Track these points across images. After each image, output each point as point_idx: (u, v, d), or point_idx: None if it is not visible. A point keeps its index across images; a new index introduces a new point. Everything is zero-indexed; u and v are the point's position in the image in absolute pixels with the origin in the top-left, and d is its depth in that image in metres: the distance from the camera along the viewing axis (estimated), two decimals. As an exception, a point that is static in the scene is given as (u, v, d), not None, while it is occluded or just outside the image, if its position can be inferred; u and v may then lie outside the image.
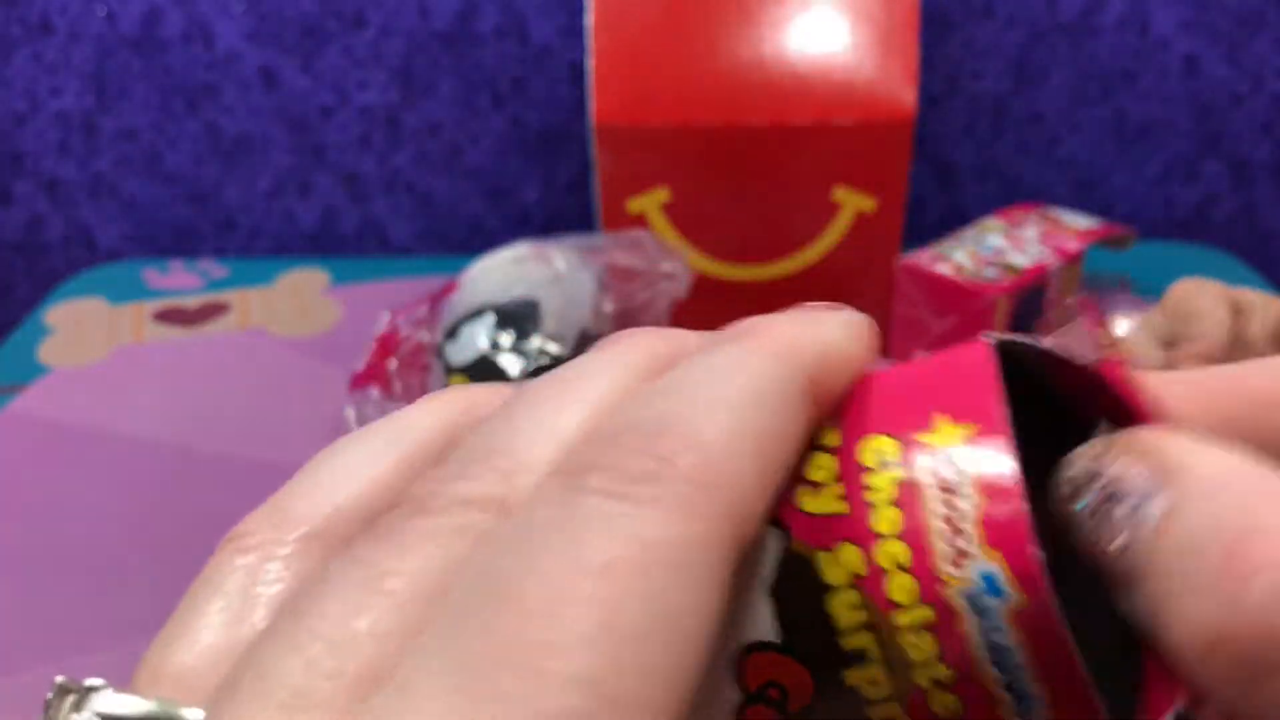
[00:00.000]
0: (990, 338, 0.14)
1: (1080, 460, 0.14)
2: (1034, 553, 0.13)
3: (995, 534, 0.13)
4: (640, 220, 0.69)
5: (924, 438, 0.14)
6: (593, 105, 0.65)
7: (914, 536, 0.13)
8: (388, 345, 0.66)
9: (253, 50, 0.86)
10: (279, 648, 0.12)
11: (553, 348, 0.58)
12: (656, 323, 0.65)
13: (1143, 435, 0.13)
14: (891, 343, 0.71)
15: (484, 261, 0.65)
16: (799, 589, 0.14)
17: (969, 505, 0.13)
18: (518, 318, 0.59)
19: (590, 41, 0.67)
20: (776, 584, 0.14)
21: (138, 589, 0.55)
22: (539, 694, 0.11)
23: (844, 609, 0.14)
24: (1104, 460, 0.13)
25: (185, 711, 0.13)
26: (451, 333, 0.60)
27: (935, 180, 0.90)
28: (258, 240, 0.94)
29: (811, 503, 0.14)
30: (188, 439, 0.67)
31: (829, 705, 0.14)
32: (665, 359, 0.15)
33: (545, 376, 0.15)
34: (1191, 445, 0.13)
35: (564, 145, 0.89)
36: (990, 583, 0.13)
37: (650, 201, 0.68)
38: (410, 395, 0.62)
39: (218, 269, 0.89)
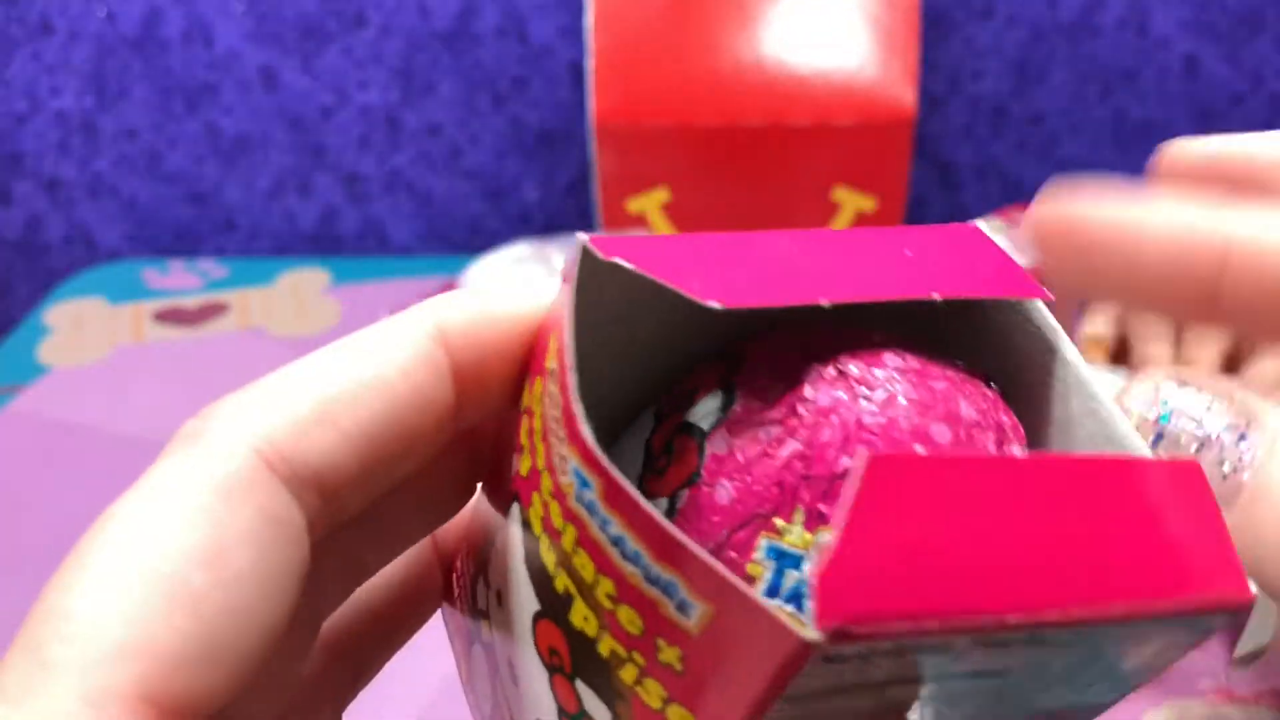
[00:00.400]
0: (582, 242, 0.14)
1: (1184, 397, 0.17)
2: (585, 433, 0.13)
3: (569, 428, 0.13)
4: (640, 220, 0.69)
5: (546, 368, 0.14)
6: (593, 105, 0.65)
7: (549, 462, 0.14)
8: (388, 345, 0.66)
9: (253, 50, 0.86)
10: None
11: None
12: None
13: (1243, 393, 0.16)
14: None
15: (484, 261, 0.65)
16: (530, 552, 0.15)
17: (558, 411, 0.13)
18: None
19: (590, 41, 0.67)
20: (525, 555, 0.15)
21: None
22: None
23: (548, 555, 0.14)
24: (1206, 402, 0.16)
25: None
26: (451, 333, 0.60)
27: (935, 180, 0.90)
28: (258, 240, 0.94)
29: (519, 463, 0.15)
30: (188, 439, 0.67)
31: (583, 663, 0.14)
32: None
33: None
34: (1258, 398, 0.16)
35: (564, 145, 0.89)
36: (580, 476, 0.13)
37: (650, 201, 0.68)
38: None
39: (218, 269, 0.89)
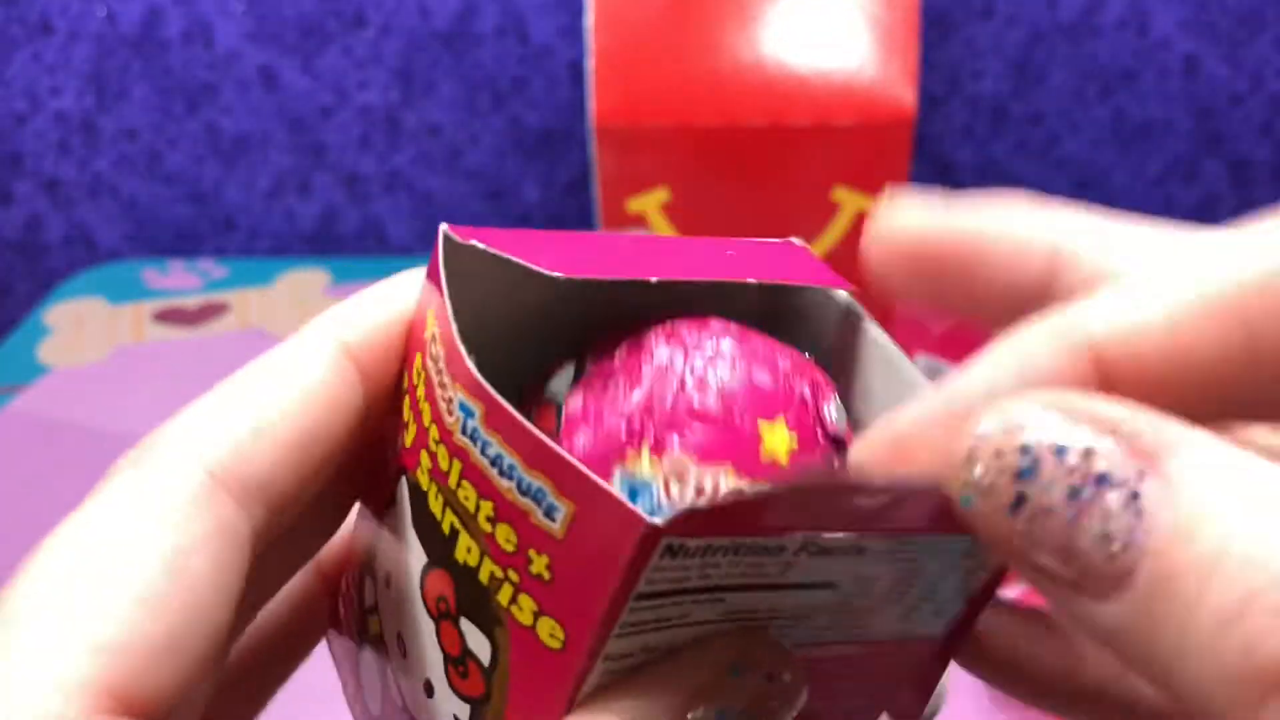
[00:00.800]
0: (443, 231, 0.16)
1: (1001, 421, 0.12)
2: (470, 365, 0.15)
3: (453, 369, 0.15)
4: (640, 220, 0.69)
5: (425, 339, 0.16)
6: (593, 105, 0.65)
7: (435, 415, 0.16)
8: (388, 345, 0.66)
9: (253, 50, 0.86)
10: None
11: (552, 348, 0.58)
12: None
13: (1108, 407, 0.12)
14: (891, 343, 0.71)
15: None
16: (418, 509, 0.16)
17: (441, 362, 0.16)
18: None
19: (590, 41, 0.67)
20: (413, 516, 0.17)
21: (138, 589, 0.55)
22: None
23: (435, 502, 0.16)
24: (1052, 429, 0.12)
25: None
26: (451, 333, 0.60)
27: (935, 180, 0.90)
28: (258, 240, 0.94)
29: (405, 437, 0.17)
30: (188, 439, 0.67)
31: (466, 597, 0.16)
32: None
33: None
34: (1171, 423, 0.11)
35: (564, 145, 0.89)
36: (464, 408, 0.15)
37: (650, 201, 0.68)
38: (410, 395, 0.63)
39: (218, 269, 0.89)
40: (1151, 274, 0.13)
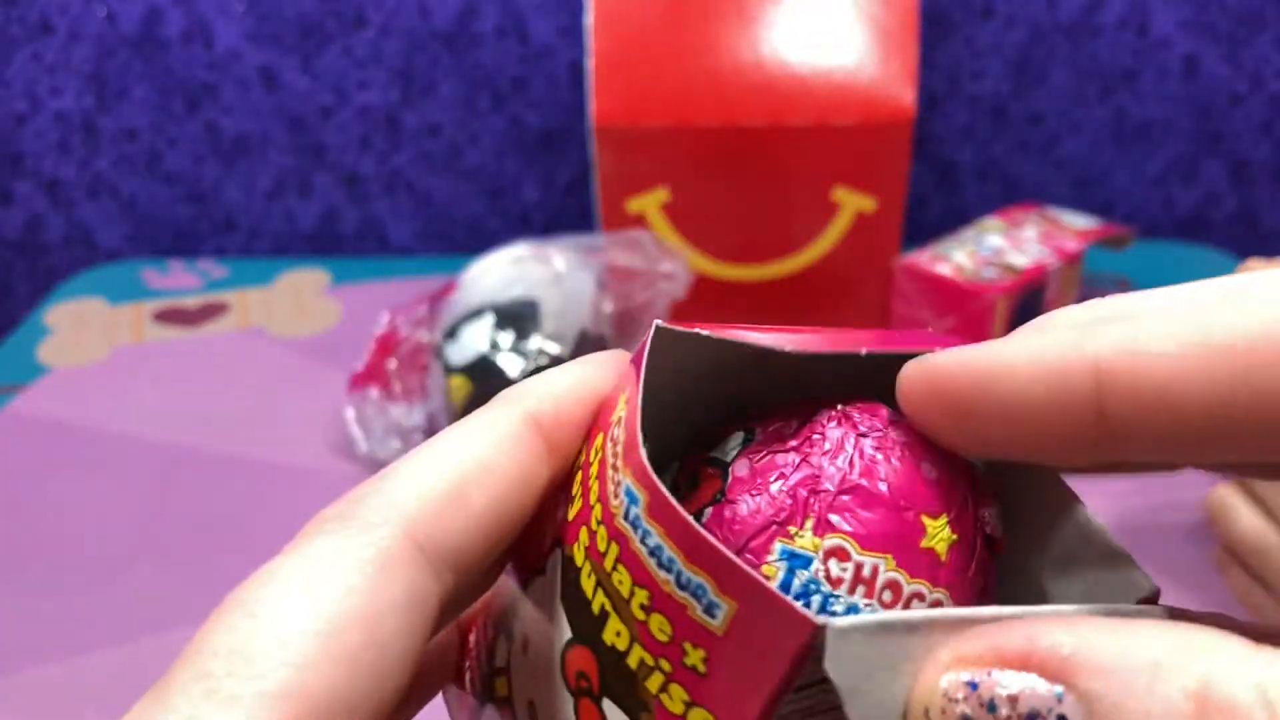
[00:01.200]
0: (655, 327, 0.17)
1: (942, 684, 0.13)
2: (643, 454, 0.15)
3: (626, 456, 0.15)
4: (640, 220, 0.69)
5: (610, 420, 0.17)
6: (593, 105, 0.65)
7: (602, 494, 0.16)
8: (387, 345, 0.66)
9: (253, 50, 0.86)
10: None
11: (552, 348, 0.58)
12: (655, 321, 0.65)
13: (1003, 634, 0.13)
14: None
15: (483, 261, 0.65)
16: (569, 583, 0.17)
17: (620, 446, 0.16)
18: (517, 318, 0.59)
19: (590, 41, 0.67)
20: (562, 589, 0.17)
21: (138, 589, 0.55)
22: None
23: (587, 581, 0.16)
24: (981, 680, 0.13)
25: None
26: (451, 333, 0.60)
27: (935, 180, 0.90)
28: (258, 240, 0.94)
29: (568, 511, 0.17)
30: (188, 439, 0.67)
31: (611, 679, 0.16)
32: None
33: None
34: (1073, 627, 0.12)
35: (564, 145, 0.89)
36: (630, 494, 0.15)
37: (650, 201, 0.68)
38: (410, 395, 0.63)
39: (217, 269, 0.89)
40: (1165, 316, 0.14)
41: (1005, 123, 0.87)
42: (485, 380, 0.57)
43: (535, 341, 0.58)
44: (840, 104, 0.65)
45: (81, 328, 0.81)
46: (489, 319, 0.59)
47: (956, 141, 0.88)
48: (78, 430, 0.68)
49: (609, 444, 0.16)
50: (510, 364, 0.57)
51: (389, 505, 0.16)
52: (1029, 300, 0.68)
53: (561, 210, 0.92)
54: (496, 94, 0.87)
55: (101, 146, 0.90)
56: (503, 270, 0.62)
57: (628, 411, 0.16)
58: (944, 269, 0.67)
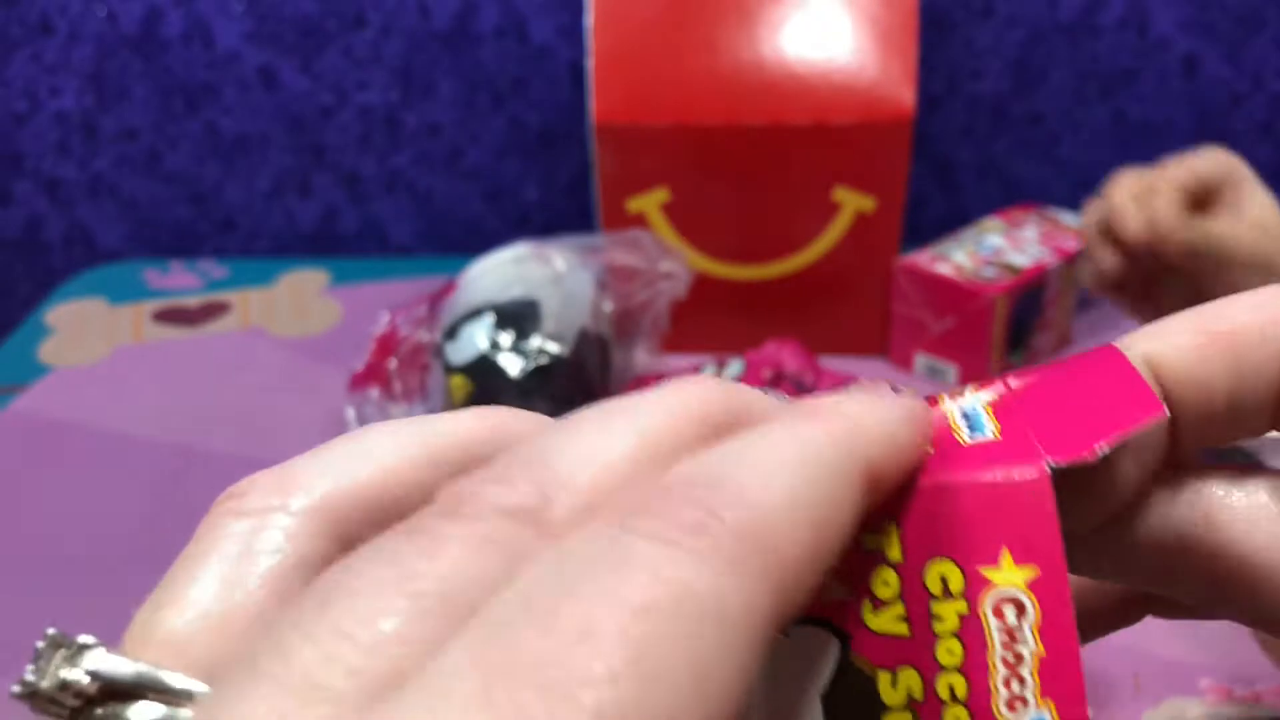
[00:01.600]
0: (1047, 465, 0.14)
1: None
2: (1085, 709, 0.13)
3: (1050, 685, 0.14)
4: (640, 220, 0.69)
5: (990, 573, 0.14)
6: (593, 105, 0.65)
7: (975, 673, 0.14)
8: (387, 345, 0.66)
9: (253, 50, 0.86)
10: (300, 636, 0.12)
11: (552, 347, 0.58)
12: (655, 321, 0.65)
13: None
14: (891, 343, 0.71)
15: (484, 261, 0.65)
16: (853, 701, 0.15)
17: (1028, 653, 0.14)
18: (517, 317, 0.59)
19: (590, 41, 0.67)
20: (830, 690, 0.15)
21: (138, 589, 0.55)
22: (558, 718, 0.11)
23: (886, 690, 0.15)
24: None
25: (169, 677, 0.13)
26: (451, 332, 0.60)
27: (935, 180, 0.90)
28: (258, 240, 0.94)
29: (874, 619, 0.15)
30: (188, 439, 0.67)
31: None
32: (723, 411, 0.15)
33: (598, 404, 0.15)
34: None
35: (564, 145, 0.89)
36: None
37: (650, 201, 0.68)
38: (410, 395, 0.62)
39: (218, 269, 0.89)
40: (1190, 319, 0.17)
41: (1005, 123, 0.87)
42: (485, 379, 0.57)
43: (535, 341, 0.58)
44: (840, 104, 0.65)
45: (82, 328, 0.81)
46: (489, 319, 0.59)
47: (956, 141, 0.88)
48: (78, 430, 0.68)
49: (997, 624, 0.14)
50: (510, 363, 0.57)
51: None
52: (1029, 300, 0.68)
53: (561, 210, 0.92)
54: (496, 94, 0.87)
55: (101, 146, 0.90)
56: (503, 270, 0.62)
57: (1064, 629, 0.14)
58: (944, 269, 0.67)
